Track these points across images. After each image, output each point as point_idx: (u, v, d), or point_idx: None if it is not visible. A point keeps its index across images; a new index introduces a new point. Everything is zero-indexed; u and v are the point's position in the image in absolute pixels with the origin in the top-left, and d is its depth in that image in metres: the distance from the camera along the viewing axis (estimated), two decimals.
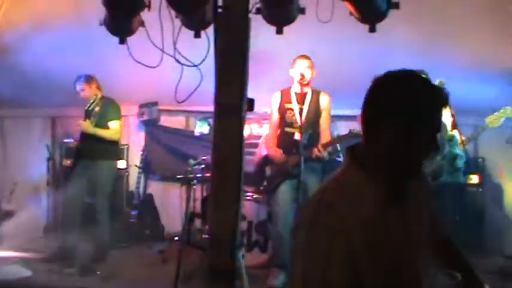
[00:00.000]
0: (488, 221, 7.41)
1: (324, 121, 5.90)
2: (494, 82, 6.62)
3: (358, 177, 1.94)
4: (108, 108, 6.68)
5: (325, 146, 5.67)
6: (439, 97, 1.92)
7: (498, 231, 7.40)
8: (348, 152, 2.06)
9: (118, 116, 6.84)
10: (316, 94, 5.88)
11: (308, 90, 5.86)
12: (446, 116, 5.57)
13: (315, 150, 5.57)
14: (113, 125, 6.76)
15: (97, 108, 6.58)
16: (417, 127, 1.88)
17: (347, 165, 2.01)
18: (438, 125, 1.94)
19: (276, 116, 6.01)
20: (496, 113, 5.74)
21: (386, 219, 1.89)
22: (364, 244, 1.80)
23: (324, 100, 5.90)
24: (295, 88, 5.85)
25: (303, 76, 5.65)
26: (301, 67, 5.72)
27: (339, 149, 6.29)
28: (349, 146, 2.09)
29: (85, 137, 6.64)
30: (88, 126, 6.55)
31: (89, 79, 6.73)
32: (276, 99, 6.01)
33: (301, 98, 5.79)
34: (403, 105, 1.89)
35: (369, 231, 1.82)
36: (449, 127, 5.46)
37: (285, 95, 5.95)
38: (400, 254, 1.91)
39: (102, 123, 6.63)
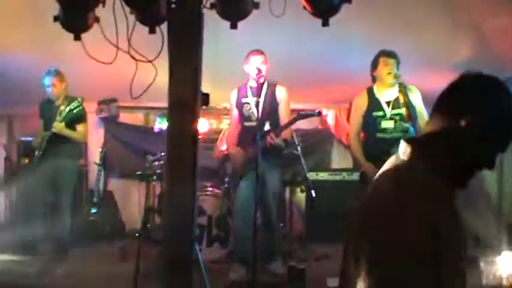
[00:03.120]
0: None
1: (282, 111, 5.93)
2: (447, 76, 6.76)
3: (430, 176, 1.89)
4: (77, 110, 6.52)
5: (277, 133, 5.67)
6: None
7: None
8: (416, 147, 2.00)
9: (85, 118, 6.79)
10: (272, 86, 5.91)
11: (264, 83, 5.86)
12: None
13: (268, 138, 5.56)
14: (82, 127, 6.74)
15: (63, 107, 6.48)
16: (487, 139, 1.89)
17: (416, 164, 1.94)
18: (505, 146, 1.93)
19: (235, 112, 6.06)
20: None
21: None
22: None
23: (280, 92, 5.93)
24: (251, 83, 5.88)
25: (259, 71, 5.58)
26: (257, 63, 5.70)
27: (296, 142, 6.34)
28: (411, 139, 2.03)
29: (52, 136, 6.53)
30: (62, 128, 6.45)
31: (60, 75, 6.65)
32: (233, 96, 6.07)
33: (257, 91, 5.74)
34: (486, 113, 1.88)
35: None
36: None
37: (242, 91, 6.00)
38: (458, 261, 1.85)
39: (69, 125, 6.55)
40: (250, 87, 5.88)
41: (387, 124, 5.55)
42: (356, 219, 1.96)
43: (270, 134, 5.59)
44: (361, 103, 5.74)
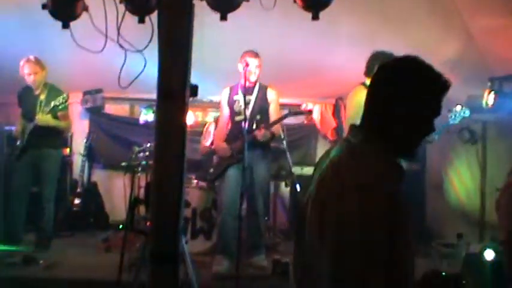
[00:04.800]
0: (428, 208, 7.61)
1: (273, 111, 5.99)
2: None
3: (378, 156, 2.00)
4: (62, 107, 6.37)
5: (267, 127, 5.76)
6: (443, 84, 2.01)
7: (438, 218, 7.59)
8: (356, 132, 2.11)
9: (67, 106, 6.67)
10: (263, 88, 5.97)
11: (256, 84, 5.93)
12: None
13: (257, 132, 5.68)
14: (67, 117, 6.68)
15: (43, 97, 6.42)
16: (420, 111, 1.99)
17: (361, 146, 2.04)
18: (439, 109, 2.03)
19: (226, 111, 6.09)
20: None
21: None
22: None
23: (271, 94, 5.99)
24: (243, 82, 5.88)
25: (247, 64, 5.62)
26: (253, 67, 5.76)
27: (282, 136, 6.35)
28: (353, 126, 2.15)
29: (35, 127, 6.43)
30: (48, 120, 6.38)
31: (41, 62, 6.51)
32: (225, 94, 6.09)
33: (248, 90, 5.79)
34: (410, 88, 1.99)
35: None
36: None
37: (234, 89, 6.04)
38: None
39: (52, 113, 6.44)
40: (242, 86, 5.86)
41: None
42: (315, 206, 1.99)
43: (259, 129, 5.67)
44: (363, 99, 5.62)
